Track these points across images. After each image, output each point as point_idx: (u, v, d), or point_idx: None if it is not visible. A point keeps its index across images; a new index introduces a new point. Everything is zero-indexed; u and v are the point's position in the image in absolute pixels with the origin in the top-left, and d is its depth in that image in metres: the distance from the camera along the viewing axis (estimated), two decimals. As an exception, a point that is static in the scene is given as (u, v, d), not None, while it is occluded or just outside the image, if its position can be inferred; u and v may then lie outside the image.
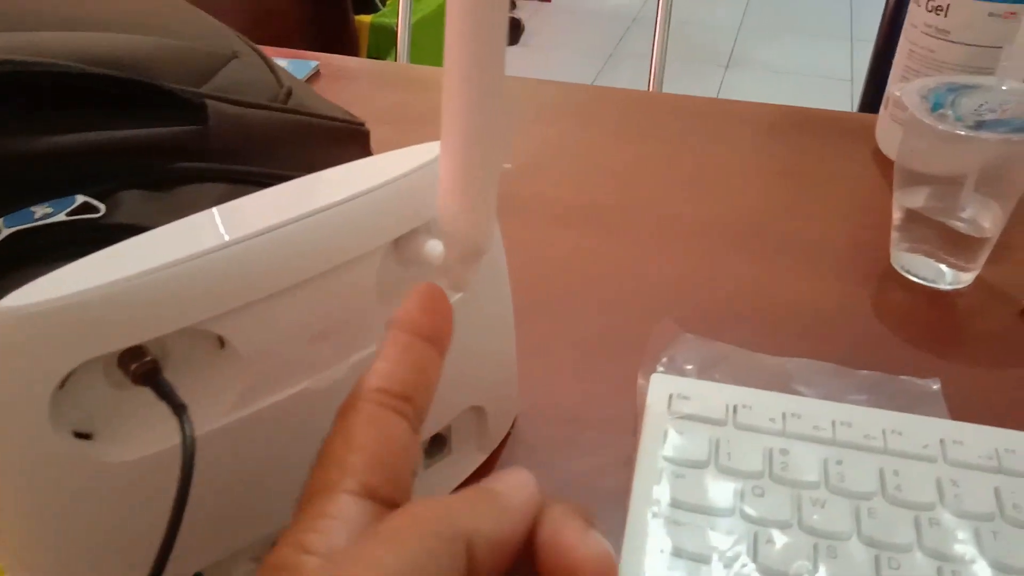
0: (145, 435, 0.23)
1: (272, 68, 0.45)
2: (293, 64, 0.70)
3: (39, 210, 0.33)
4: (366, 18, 1.89)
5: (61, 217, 0.33)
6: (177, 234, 0.23)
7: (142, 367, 0.22)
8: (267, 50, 0.74)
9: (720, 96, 2.43)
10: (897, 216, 0.45)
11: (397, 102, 0.63)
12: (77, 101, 0.34)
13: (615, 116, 0.62)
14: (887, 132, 0.55)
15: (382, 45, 1.89)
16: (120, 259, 0.22)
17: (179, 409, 0.21)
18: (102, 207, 0.34)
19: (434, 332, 0.23)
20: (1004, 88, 0.41)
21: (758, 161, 0.55)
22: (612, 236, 0.48)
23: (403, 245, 0.27)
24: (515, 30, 2.81)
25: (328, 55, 0.72)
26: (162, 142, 0.37)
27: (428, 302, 0.23)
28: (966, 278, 0.44)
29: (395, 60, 1.40)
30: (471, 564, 0.17)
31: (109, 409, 0.23)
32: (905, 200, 0.44)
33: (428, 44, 1.57)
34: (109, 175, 0.35)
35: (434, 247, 0.27)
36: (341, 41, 1.84)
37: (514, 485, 0.20)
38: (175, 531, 0.20)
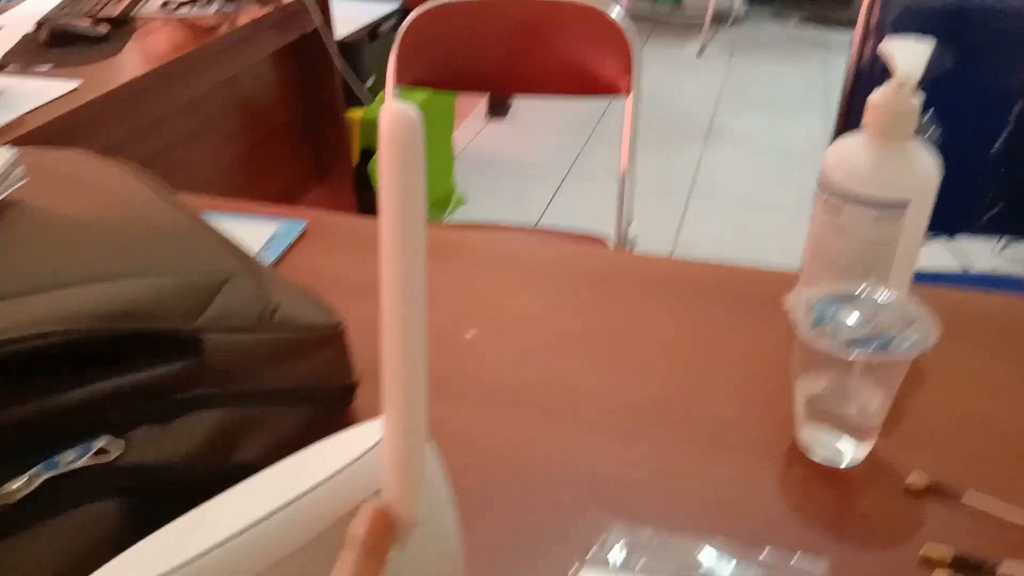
0: None
1: (260, 281, 0.53)
2: (283, 226, 0.77)
3: (66, 457, 0.40)
4: (357, 113, 1.99)
5: (83, 462, 0.40)
6: (173, 538, 0.30)
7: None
8: (261, 208, 0.82)
9: (700, 172, 2.53)
10: (799, 399, 0.52)
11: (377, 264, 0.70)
12: (93, 357, 0.42)
13: (552, 277, 0.69)
14: (802, 302, 0.62)
15: (373, 138, 1.99)
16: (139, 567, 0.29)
17: None
18: (116, 450, 0.41)
19: (375, 547, 0.30)
20: (880, 301, 0.49)
21: (682, 333, 0.63)
22: (545, 420, 0.55)
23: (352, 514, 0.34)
24: (502, 106, 2.93)
25: (317, 212, 0.80)
26: (166, 380, 0.44)
27: (373, 523, 0.30)
28: (861, 453, 0.51)
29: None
30: None
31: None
32: (805, 387, 0.51)
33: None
34: (122, 417, 0.42)
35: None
36: (332, 136, 1.94)
37: None
38: None
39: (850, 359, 0.45)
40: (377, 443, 0.34)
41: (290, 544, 0.31)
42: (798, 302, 0.49)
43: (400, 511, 0.32)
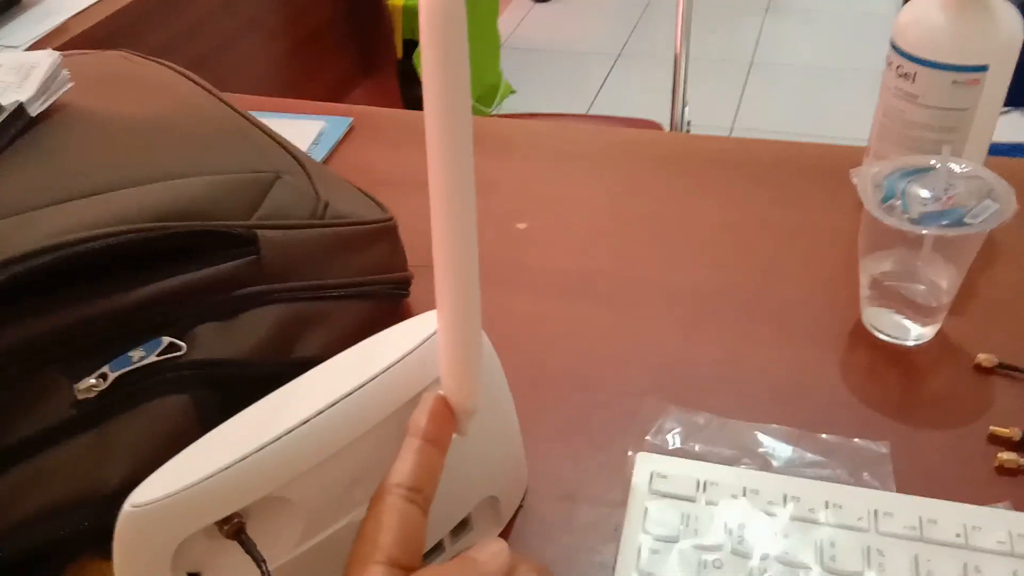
0: (239, 571, 0.31)
1: (311, 177, 0.53)
2: (330, 122, 0.77)
3: (135, 353, 0.41)
4: (399, 1, 1.92)
5: (153, 358, 0.41)
6: (250, 425, 0.31)
7: (232, 527, 0.30)
8: (307, 106, 0.81)
9: (760, 45, 2.40)
10: (864, 279, 0.50)
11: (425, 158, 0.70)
12: (154, 256, 0.42)
13: (608, 160, 0.67)
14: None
15: (416, 27, 1.93)
16: (210, 450, 0.30)
17: (259, 562, 0.30)
18: (183, 346, 0.42)
19: (437, 436, 0.31)
20: (955, 170, 0.46)
21: (748, 213, 0.61)
22: (601, 305, 0.54)
23: (417, 398, 0.35)
24: (548, -13, 2.80)
25: (362, 108, 0.79)
26: (225, 277, 0.44)
27: (433, 412, 0.32)
28: (929, 332, 0.50)
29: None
30: None
31: (213, 554, 0.31)
32: (870, 267, 0.49)
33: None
34: (186, 314, 0.43)
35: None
36: (375, 27, 1.89)
37: (490, 552, 0.29)
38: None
39: (922, 233, 0.43)
40: (433, 333, 0.34)
41: (352, 431, 0.32)
42: (866, 176, 0.46)
43: (458, 399, 0.32)
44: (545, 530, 0.42)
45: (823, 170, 0.63)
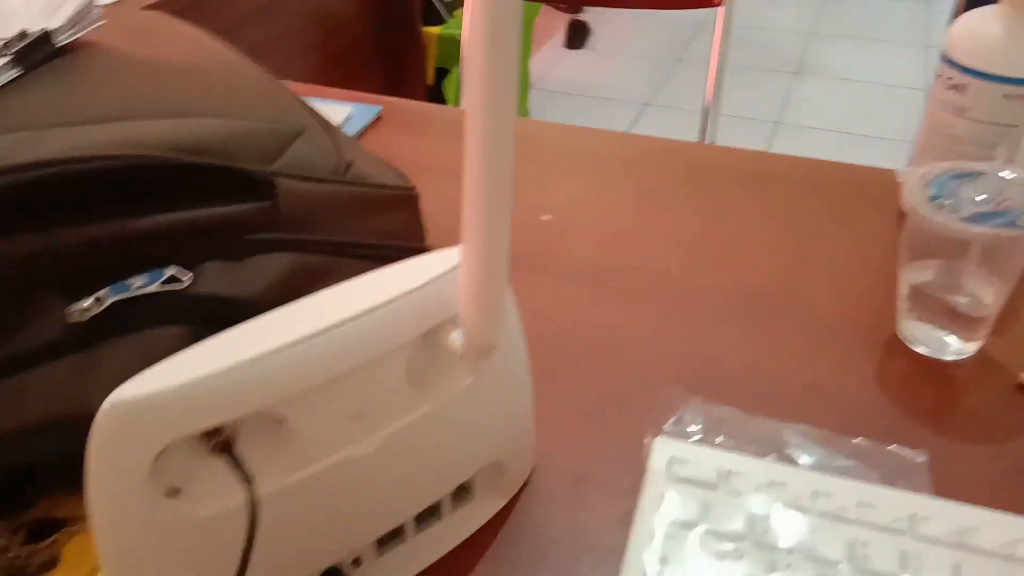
0: (221, 493, 0.29)
1: (335, 139, 0.51)
2: (358, 109, 0.76)
3: (136, 281, 0.39)
4: (434, 30, 1.95)
5: (154, 288, 0.39)
6: (246, 336, 0.29)
7: (219, 442, 0.28)
8: (335, 92, 0.81)
9: (786, 106, 2.42)
10: (903, 289, 0.48)
11: (451, 149, 0.68)
12: (167, 186, 0.41)
13: (640, 168, 0.66)
14: (909, 196, 0.57)
15: (450, 55, 1.96)
16: (201, 357, 0.28)
17: (247, 480, 0.27)
18: (187, 278, 0.40)
19: None
20: (1007, 177, 0.44)
21: (777, 222, 0.59)
22: (627, 298, 0.52)
23: (431, 335, 0.32)
24: (581, 34, 2.84)
25: (391, 99, 0.78)
26: (238, 218, 0.43)
27: None
28: (970, 348, 0.47)
29: (459, 71, 1.45)
30: None
31: (194, 472, 0.29)
32: (911, 276, 0.47)
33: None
34: (194, 249, 0.41)
35: (456, 338, 0.32)
36: (408, 52, 1.91)
37: None
38: (243, 571, 0.26)
39: (974, 233, 0.41)
40: (454, 267, 0.32)
41: (358, 356, 0.30)
42: (914, 176, 0.44)
43: (478, 333, 0.30)
44: (552, 509, 0.39)
45: (860, 190, 0.61)
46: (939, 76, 0.53)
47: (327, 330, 0.29)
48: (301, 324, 0.29)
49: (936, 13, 2.94)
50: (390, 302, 0.30)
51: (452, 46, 1.95)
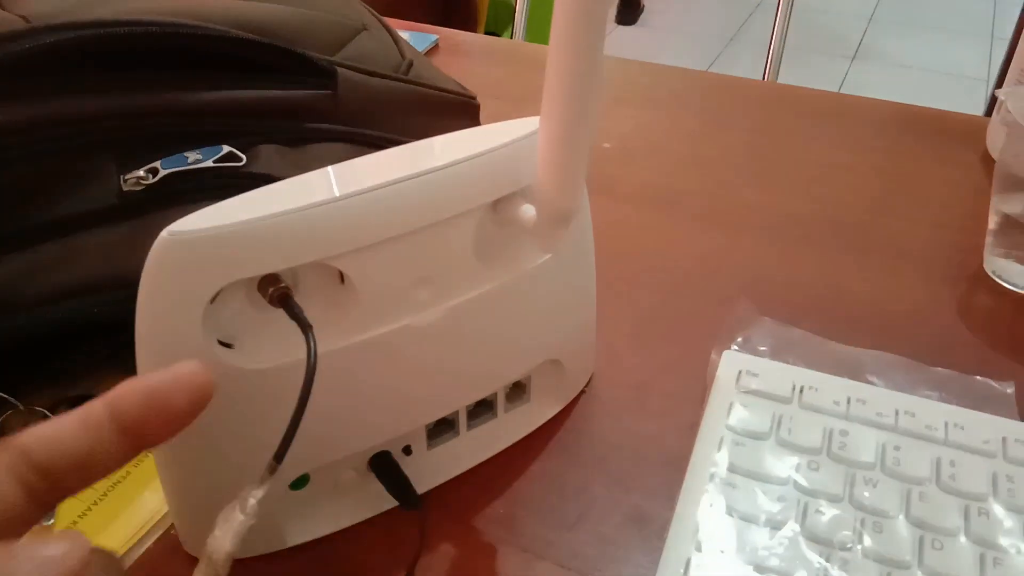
0: (277, 348, 0.27)
1: (396, 41, 0.49)
2: (414, 37, 0.74)
3: (191, 155, 0.38)
4: (487, -7, 1.92)
5: (209, 163, 0.38)
6: (311, 183, 0.27)
7: (278, 291, 0.26)
8: (391, 22, 0.79)
9: (843, 91, 2.35)
10: (993, 220, 0.44)
11: (508, 78, 0.66)
12: (228, 63, 0.39)
13: (712, 102, 0.63)
14: (997, 136, 0.54)
15: (500, 19, 1.92)
16: (265, 200, 0.26)
17: (306, 328, 0.25)
18: (243, 157, 0.38)
19: (138, 428, 0.20)
20: (1119, 98, 0.41)
21: (858, 157, 0.56)
22: (701, 222, 0.50)
23: (501, 207, 0.30)
24: (634, 10, 2.79)
25: (447, 29, 0.76)
26: (298, 103, 0.41)
27: (152, 398, 0.20)
28: (1061, 287, 0.44)
29: (511, 35, 1.43)
30: None
31: (249, 324, 0.27)
32: (1003, 205, 0.44)
33: (545, 20, 1.59)
34: (251, 130, 0.39)
35: (528, 211, 0.30)
36: (461, 13, 1.89)
37: (47, 555, 0.17)
38: (295, 430, 0.24)
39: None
40: (532, 133, 0.30)
41: (424, 216, 0.28)
42: (1016, 94, 0.41)
43: (556, 197, 0.28)
44: (612, 415, 0.37)
45: (943, 132, 0.58)
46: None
47: (393, 183, 0.27)
48: (368, 176, 0.27)
49: (1005, 4, 2.84)
50: (460, 162, 0.28)
51: (504, 9, 1.93)
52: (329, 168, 0.28)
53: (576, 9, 0.23)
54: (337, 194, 0.26)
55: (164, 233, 0.25)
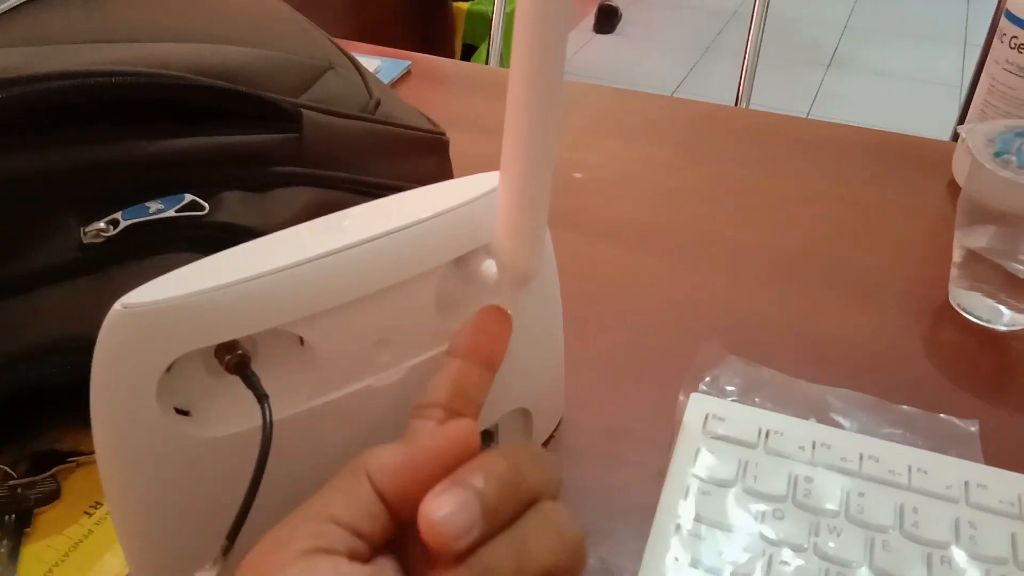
0: (235, 415, 0.27)
1: (364, 78, 0.49)
2: (387, 63, 0.73)
3: (153, 206, 0.37)
4: (463, 5, 1.92)
5: (171, 213, 0.37)
6: (268, 247, 0.27)
7: (235, 359, 0.26)
8: (364, 47, 0.78)
9: (819, 98, 2.37)
10: (957, 254, 0.45)
11: (480, 104, 0.66)
12: (190, 109, 0.39)
13: (684, 131, 0.63)
14: (962, 164, 0.55)
15: (477, 32, 1.93)
16: (220, 267, 0.26)
17: (262, 398, 0.25)
18: (206, 205, 0.38)
19: (480, 350, 0.28)
20: (1077, 135, 0.41)
21: (826, 188, 0.56)
22: (666, 256, 0.50)
23: (463, 264, 0.30)
24: (612, 18, 2.80)
25: (420, 55, 0.76)
26: (262, 148, 0.41)
27: (478, 325, 0.28)
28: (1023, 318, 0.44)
29: (488, 47, 1.43)
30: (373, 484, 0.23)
31: (207, 391, 0.27)
32: (966, 239, 0.44)
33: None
34: (214, 177, 0.39)
35: (490, 267, 0.30)
36: (437, 26, 1.89)
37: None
38: (247, 510, 0.24)
39: (1041, 189, 0.38)
40: (491, 191, 0.30)
41: (384, 278, 0.28)
42: (977, 132, 0.42)
43: (514, 260, 0.28)
44: (580, 464, 0.37)
45: (910, 157, 0.59)
46: (1001, 36, 0.50)
47: (352, 246, 0.27)
48: (326, 239, 0.27)
49: (977, 11, 2.88)
50: (421, 222, 0.28)
51: (480, 22, 1.93)
52: (287, 231, 0.28)
53: (532, 84, 0.23)
54: (294, 260, 0.26)
55: (117, 305, 0.24)
